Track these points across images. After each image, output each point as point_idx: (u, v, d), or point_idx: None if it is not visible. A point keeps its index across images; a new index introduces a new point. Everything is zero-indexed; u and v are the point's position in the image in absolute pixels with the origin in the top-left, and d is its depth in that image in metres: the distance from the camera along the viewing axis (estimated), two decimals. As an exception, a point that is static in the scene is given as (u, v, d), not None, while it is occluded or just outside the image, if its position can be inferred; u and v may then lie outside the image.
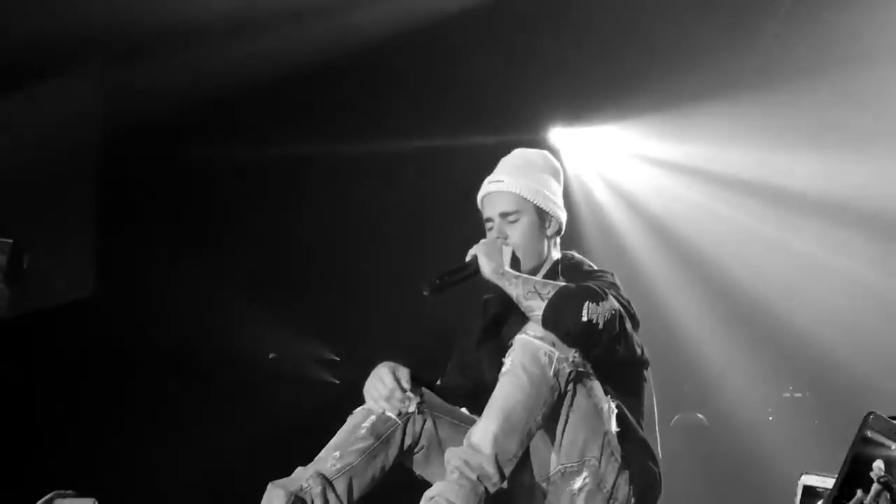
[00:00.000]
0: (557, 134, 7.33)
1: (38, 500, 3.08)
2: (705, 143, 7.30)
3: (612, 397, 3.15)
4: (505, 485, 2.97)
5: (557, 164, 3.50)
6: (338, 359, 6.65)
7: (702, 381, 7.50)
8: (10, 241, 4.89)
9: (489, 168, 3.45)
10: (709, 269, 7.58)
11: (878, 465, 1.36)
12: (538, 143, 7.01)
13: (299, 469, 3.02)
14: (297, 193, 5.98)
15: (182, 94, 5.39)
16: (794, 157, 7.12)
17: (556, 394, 3.03)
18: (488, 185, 3.39)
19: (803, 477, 1.47)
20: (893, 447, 1.37)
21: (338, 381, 6.59)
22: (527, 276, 3.20)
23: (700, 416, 7.30)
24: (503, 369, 3.03)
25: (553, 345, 3.02)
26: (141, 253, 5.41)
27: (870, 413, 1.41)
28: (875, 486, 1.35)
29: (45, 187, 5.13)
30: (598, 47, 6.45)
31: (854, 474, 1.36)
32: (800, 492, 1.44)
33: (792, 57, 6.66)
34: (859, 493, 1.36)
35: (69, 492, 3.25)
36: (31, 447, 4.56)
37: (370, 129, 5.95)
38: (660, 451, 3.29)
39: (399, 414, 3.13)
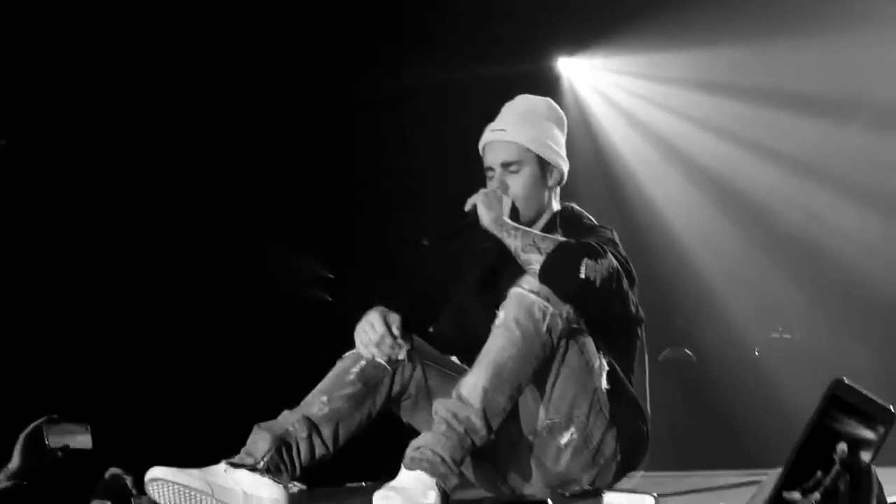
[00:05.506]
0: (564, 63, 7.21)
1: (23, 427, 3.06)
2: (714, 66, 7.11)
3: (603, 354, 3.13)
4: (492, 437, 2.97)
5: (561, 112, 3.43)
6: (332, 276, 6.65)
7: (692, 315, 7.49)
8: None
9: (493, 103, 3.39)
10: (717, 197, 7.46)
11: (842, 447, 1.27)
12: (543, 73, 6.91)
13: (286, 412, 3.02)
14: (309, 121, 5.86)
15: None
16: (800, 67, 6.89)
17: (549, 349, 3.01)
18: (490, 134, 3.32)
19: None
20: (860, 428, 1.28)
21: (330, 299, 6.59)
22: (526, 228, 3.16)
23: (688, 351, 7.31)
24: (496, 322, 3.00)
25: (548, 300, 2.98)
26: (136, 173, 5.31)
27: (838, 380, 1.29)
28: (836, 469, 1.26)
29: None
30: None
31: (813, 449, 1.28)
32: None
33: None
34: (819, 473, 1.27)
35: (55, 416, 3.23)
36: (16, 371, 4.53)
37: (368, 62, 5.84)
38: (649, 409, 3.28)
39: (389, 360, 3.11)
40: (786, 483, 1.27)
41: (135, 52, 5.21)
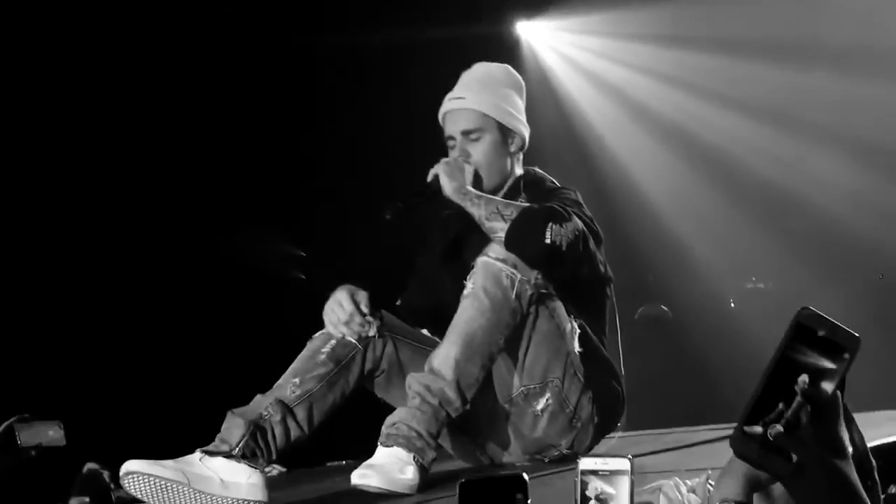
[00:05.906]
0: (523, 27, 7.16)
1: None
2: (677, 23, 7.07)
3: (574, 317, 3.13)
4: (467, 408, 2.96)
5: (519, 77, 3.40)
6: (304, 254, 6.61)
7: (665, 270, 7.48)
8: None
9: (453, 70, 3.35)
10: (682, 150, 7.43)
11: (804, 379, 1.25)
12: (505, 37, 6.86)
13: (258, 397, 2.98)
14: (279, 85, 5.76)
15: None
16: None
17: (519, 316, 3.01)
18: (449, 103, 3.29)
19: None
20: (822, 360, 1.25)
21: (304, 276, 6.55)
22: (489, 196, 3.14)
23: (664, 307, 7.31)
24: (465, 292, 3.00)
25: (515, 267, 2.98)
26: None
27: (803, 308, 1.25)
28: (797, 400, 1.24)
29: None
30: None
31: (776, 384, 1.26)
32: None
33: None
34: (781, 405, 1.25)
35: (26, 415, 3.19)
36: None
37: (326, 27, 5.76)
38: (623, 369, 3.28)
39: (359, 338, 3.08)
40: (749, 419, 1.25)
41: (134, 53, 5.15)
